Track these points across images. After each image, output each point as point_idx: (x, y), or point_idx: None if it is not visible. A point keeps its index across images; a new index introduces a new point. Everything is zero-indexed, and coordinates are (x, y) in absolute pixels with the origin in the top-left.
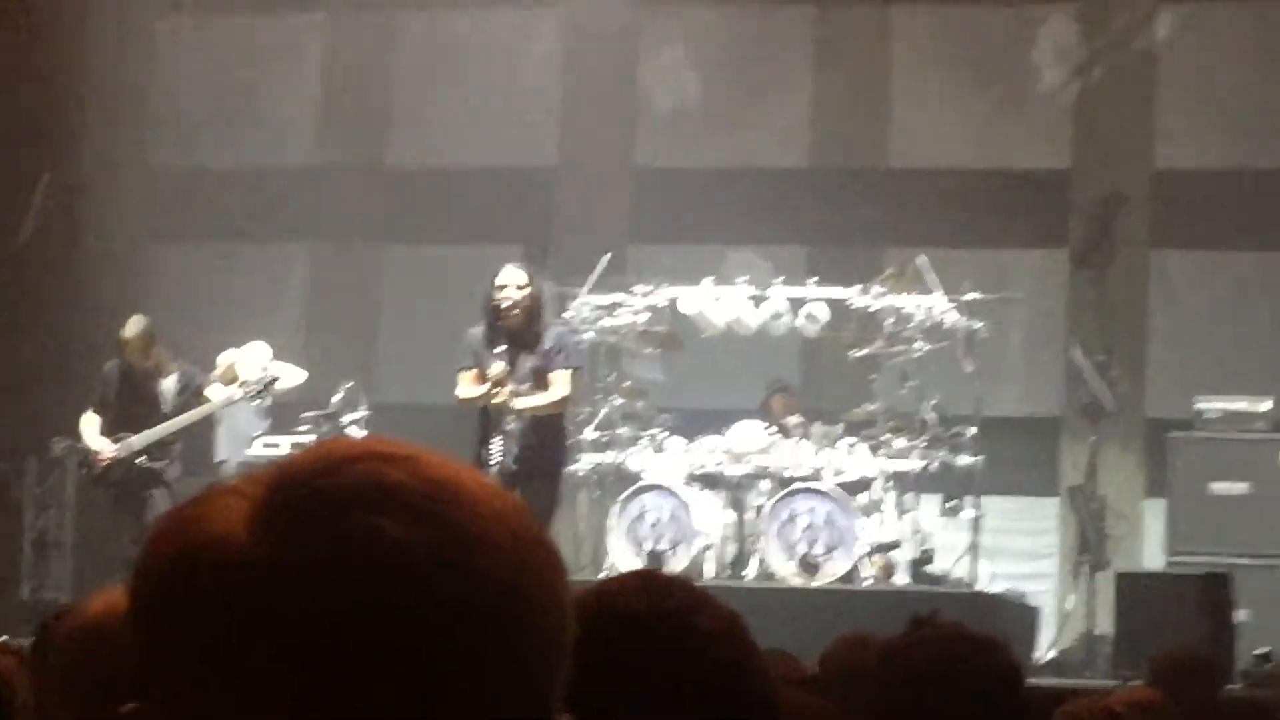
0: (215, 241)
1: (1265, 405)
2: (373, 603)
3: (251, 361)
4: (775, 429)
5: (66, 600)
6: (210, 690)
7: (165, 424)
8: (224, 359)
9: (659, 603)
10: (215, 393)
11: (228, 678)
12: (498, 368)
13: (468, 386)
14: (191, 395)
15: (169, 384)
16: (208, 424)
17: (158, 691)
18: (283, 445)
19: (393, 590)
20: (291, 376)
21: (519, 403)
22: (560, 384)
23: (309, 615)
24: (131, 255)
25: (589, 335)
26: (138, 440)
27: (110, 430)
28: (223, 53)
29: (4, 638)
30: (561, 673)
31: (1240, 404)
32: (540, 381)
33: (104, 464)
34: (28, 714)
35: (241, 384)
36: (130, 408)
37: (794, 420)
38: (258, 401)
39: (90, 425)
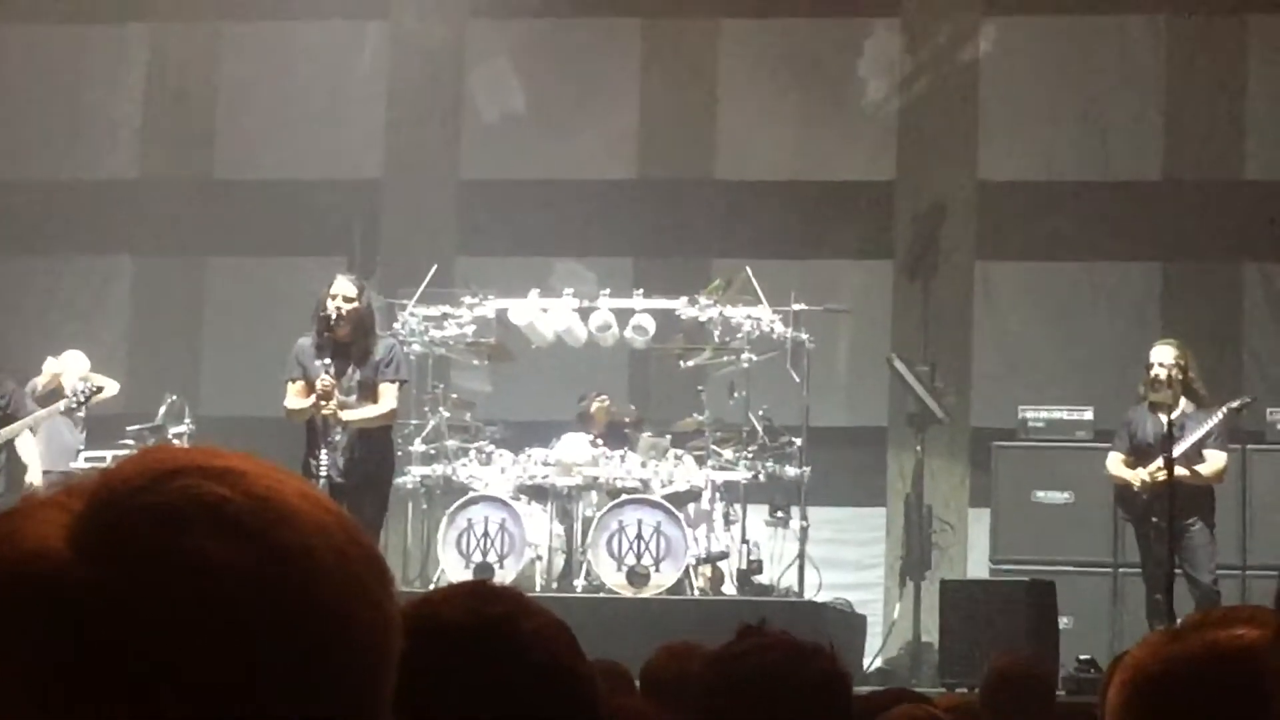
0: (37, 254)
1: (1087, 415)
2: (195, 627)
3: (72, 371)
4: (601, 440)
5: None
6: (26, 705)
7: None
8: (48, 368)
9: (483, 611)
10: (36, 410)
11: (36, 696)
12: (325, 380)
13: (295, 398)
14: (12, 407)
15: None
16: (24, 438)
17: None
18: (107, 459)
19: (216, 615)
20: (108, 388)
21: (347, 415)
22: (388, 397)
23: (129, 637)
24: None
25: (417, 347)
26: None
27: None
28: (47, 62)
29: None
30: (388, 686)
31: (1063, 414)
32: (368, 394)
33: None
34: None
35: (65, 401)
36: None
37: (623, 418)
38: (81, 413)
39: None
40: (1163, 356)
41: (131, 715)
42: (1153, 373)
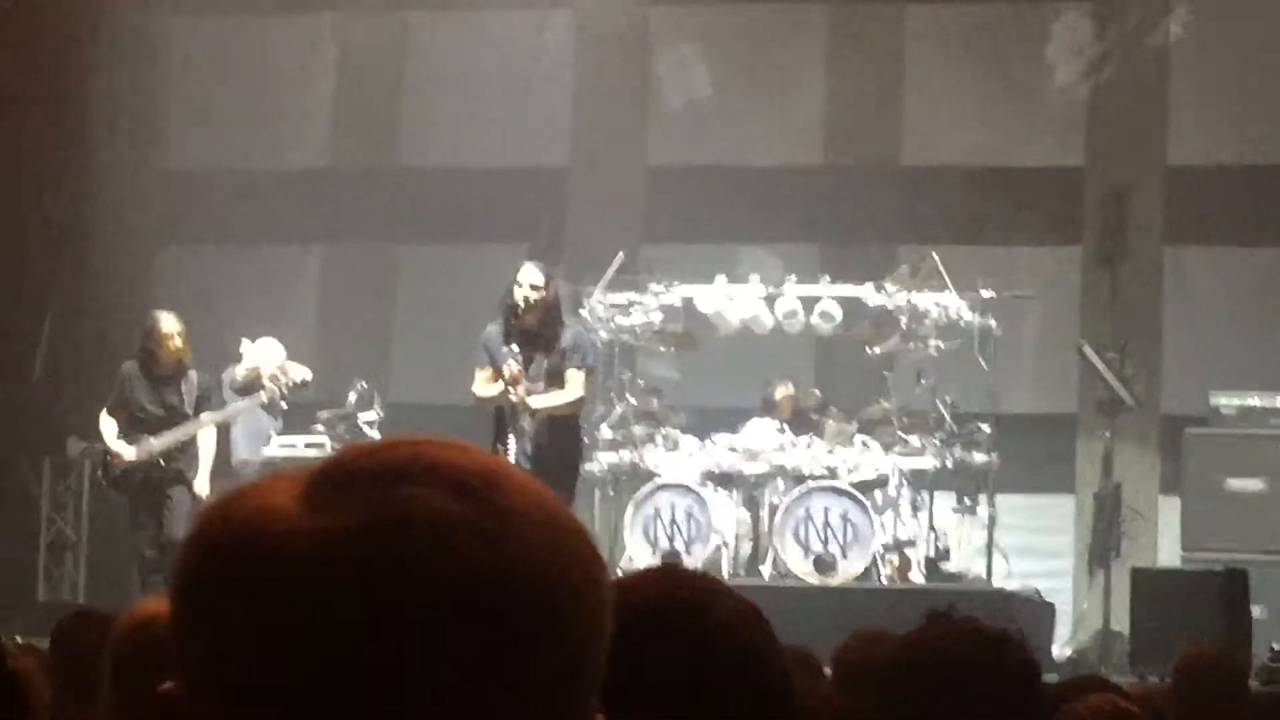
0: (229, 243)
1: (1279, 400)
2: (412, 569)
3: (269, 361)
4: (785, 427)
5: (81, 602)
6: (251, 658)
7: (186, 425)
8: (246, 356)
9: (676, 595)
10: (236, 399)
11: (269, 643)
12: (513, 366)
13: (484, 385)
14: (211, 396)
15: (188, 386)
16: (224, 427)
17: (195, 675)
18: (298, 444)
19: (438, 560)
20: (302, 373)
21: (535, 401)
22: (575, 384)
23: (351, 580)
24: (146, 257)
25: (603, 334)
26: (158, 442)
27: (127, 431)
28: (236, 54)
29: (18, 638)
30: (597, 663)
31: (1256, 400)
32: (555, 380)
33: (124, 466)
34: (46, 713)
35: (266, 388)
36: (149, 408)
37: (810, 405)
38: (282, 406)
39: (109, 426)
40: None
41: (355, 660)
42: None
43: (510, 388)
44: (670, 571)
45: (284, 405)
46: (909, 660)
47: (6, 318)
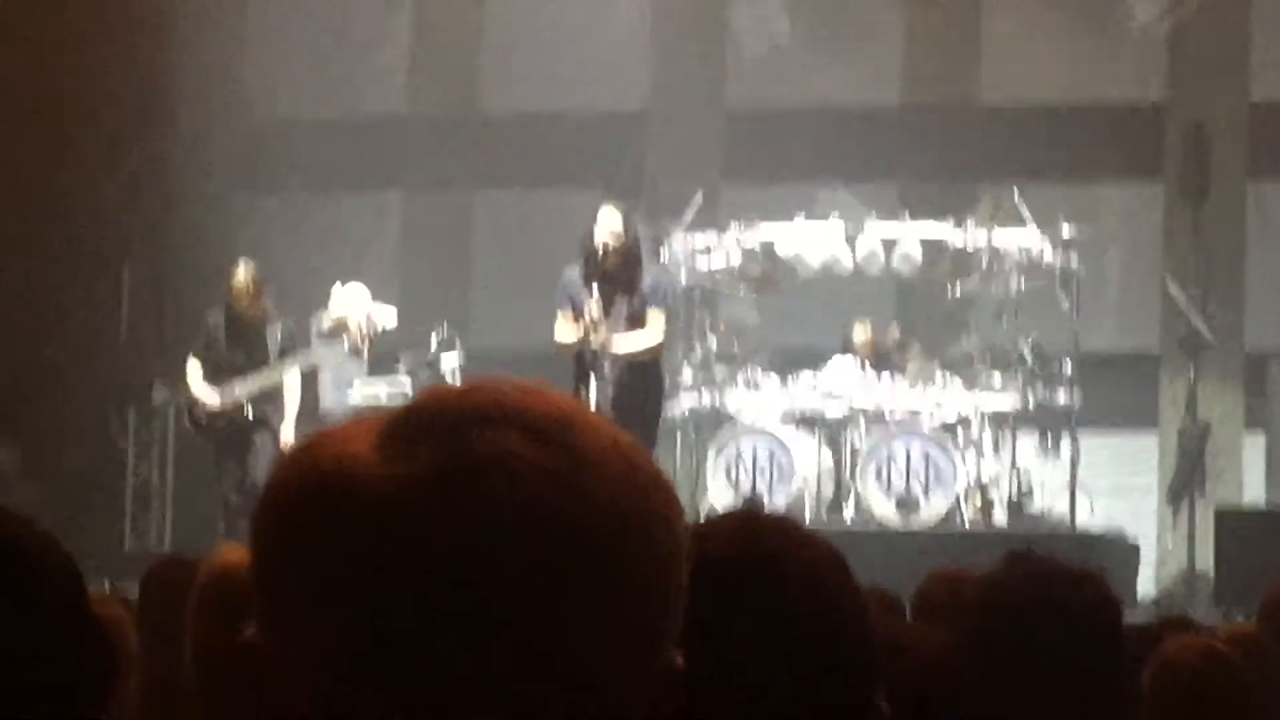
0: (311, 191)
1: None
2: (486, 515)
3: (355, 304)
4: (867, 367)
5: (167, 549)
6: (329, 616)
7: (271, 371)
8: (334, 300)
9: (756, 545)
10: (321, 345)
11: (347, 590)
12: (595, 310)
13: (566, 329)
14: (295, 343)
15: (273, 333)
16: (309, 373)
17: (275, 620)
18: (381, 390)
19: (505, 503)
20: (387, 317)
21: (619, 344)
22: (655, 325)
23: (426, 527)
24: (227, 205)
25: (683, 277)
26: (242, 388)
27: (213, 377)
28: (313, 4)
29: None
30: (676, 607)
31: None
32: (636, 323)
33: (209, 412)
34: (136, 664)
35: (350, 338)
36: (234, 355)
37: (891, 344)
38: (364, 353)
39: (195, 372)
40: None
41: (430, 606)
42: None
43: (591, 331)
44: (750, 520)
45: (365, 351)
46: (989, 599)
47: (90, 268)
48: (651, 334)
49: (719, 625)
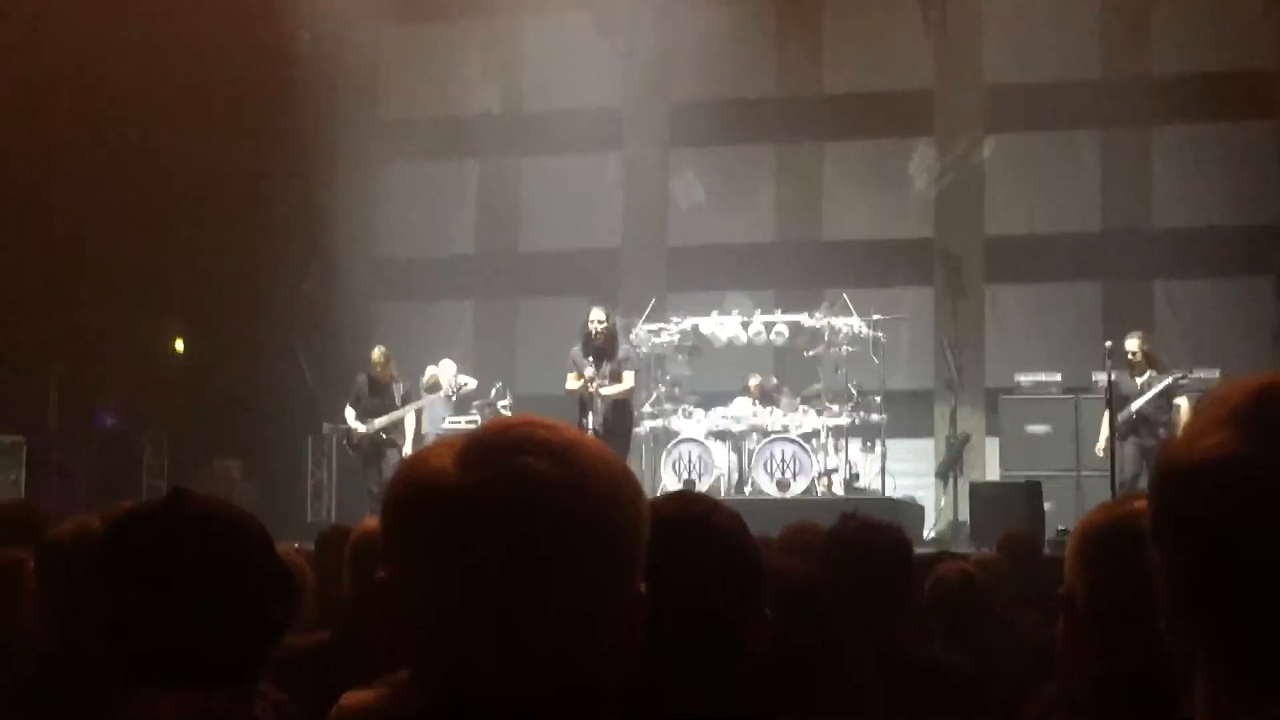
0: (417, 301)
1: (1057, 377)
2: (523, 513)
3: (446, 371)
4: (758, 402)
5: (334, 521)
6: (427, 566)
7: (396, 412)
8: (429, 372)
9: (690, 510)
10: (426, 396)
11: (433, 555)
12: (590, 371)
13: (572, 382)
14: (411, 395)
15: (397, 389)
16: (419, 412)
17: (396, 567)
18: (461, 423)
19: (537, 504)
20: (470, 382)
21: (605, 391)
22: (627, 380)
23: (484, 518)
24: (367, 309)
25: (644, 349)
26: (379, 422)
27: (361, 417)
28: (420, 180)
29: (295, 545)
30: (641, 555)
31: (1042, 376)
32: (615, 378)
33: (358, 438)
34: (312, 593)
35: (444, 391)
36: (373, 402)
37: (770, 388)
38: (453, 399)
39: (349, 414)
40: None
41: (487, 570)
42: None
43: (588, 384)
44: (686, 494)
45: (454, 399)
46: (831, 541)
47: (281, 346)
48: (625, 385)
49: (668, 562)
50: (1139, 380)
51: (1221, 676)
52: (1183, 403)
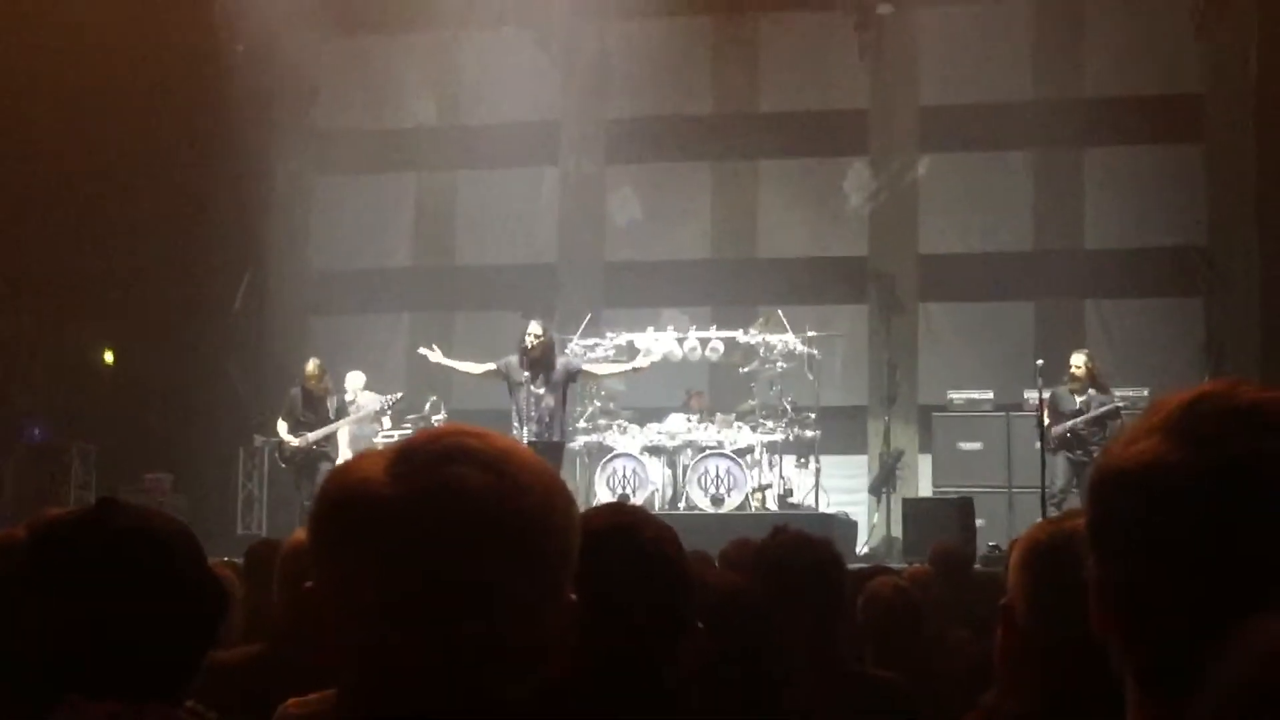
0: (352, 314)
1: (989, 395)
2: (455, 517)
3: (354, 383)
4: (693, 417)
5: (264, 535)
6: (357, 576)
7: (329, 426)
8: (349, 383)
9: (619, 519)
10: (357, 409)
11: (363, 568)
12: (525, 382)
13: (511, 395)
14: (344, 409)
15: (331, 402)
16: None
17: (325, 577)
18: (395, 436)
19: (469, 514)
20: (378, 400)
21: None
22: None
23: (417, 530)
24: (301, 323)
25: (580, 363)
26: (312, 435)
27: (293, 430)
28: (351, 197)
29: (225, 558)
30: (573, 561)
31: (975, 394)
32: (552, 391)
33: (290, 451)
34: (241, 606)
35: (378, 408)
36: (307, 415)
37: (704, 406)
38: (387, 414)
39: (282, 427)
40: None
41: (418, 580)
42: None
43: (522, 396)
44: (618, 506)
45: (387, 414)
46: (764, 555)
47: (216, 360)
48: (643, 363)
49: (597, 572)
50: (1079, 399)
51: (1142, 682)
52: (1120, 425)
